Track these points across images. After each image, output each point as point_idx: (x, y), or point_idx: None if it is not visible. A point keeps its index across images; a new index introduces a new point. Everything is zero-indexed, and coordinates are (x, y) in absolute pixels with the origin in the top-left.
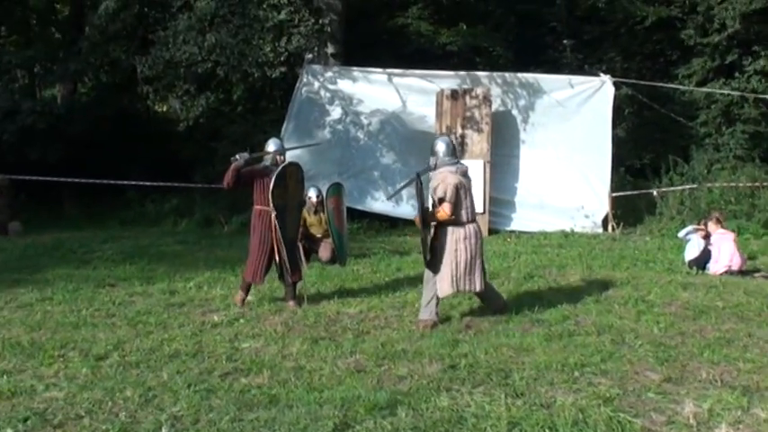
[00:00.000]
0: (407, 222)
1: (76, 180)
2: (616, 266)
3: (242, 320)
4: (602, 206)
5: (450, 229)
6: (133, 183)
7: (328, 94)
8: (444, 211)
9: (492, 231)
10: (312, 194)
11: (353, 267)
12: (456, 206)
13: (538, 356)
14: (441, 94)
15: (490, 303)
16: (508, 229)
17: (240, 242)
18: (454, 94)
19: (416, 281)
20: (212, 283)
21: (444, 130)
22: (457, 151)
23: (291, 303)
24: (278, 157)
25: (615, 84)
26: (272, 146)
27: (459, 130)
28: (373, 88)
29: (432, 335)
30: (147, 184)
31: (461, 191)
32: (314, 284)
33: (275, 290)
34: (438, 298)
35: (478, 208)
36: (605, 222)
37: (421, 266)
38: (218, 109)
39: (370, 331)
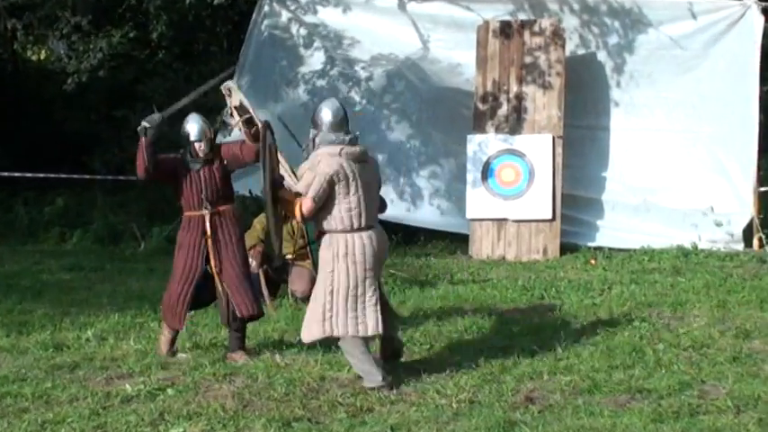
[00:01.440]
0: (432, 234)
1: None
2: (766, 304)
3: (170, 391)
4: (744, 208)
5: (327, 238)
6: None
7: (304, 31)
8: (299, 207)
9: (566, 248)
10: None
11: None
12: (328, 206)
13: None
14: (484, 28)
15: (386, 348)
16: (592, 244)
17: (166, 266)
18: (505, 29)
19: (445, 326)
20: (122, 333)
21: (490, 85)
22: (349, 121)
23: (237, 356)
24: (198, 146)
25: (766, 11)
26: (191, 128)
27: (514, 88)
28: (376, 21)
29: (472, 413)
30: (16, 175)
31: (341, 184)
32: (283, 332)
33: (222, 337)
34: (362, 347)
35: (543, 208)
36: (748, 234)
37: (452, 303)
38: (127, 55)
39: (374, 408)
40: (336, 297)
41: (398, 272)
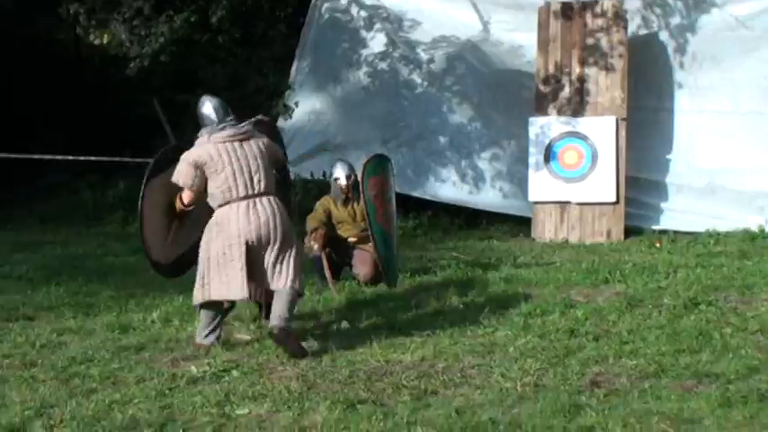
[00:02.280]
0: (494, 217)
1: None
2: None
3: (235, 372)
4: None
5: (214, 213)
6: (58, 157)
7: (364, 14)
8: (181, 199)
9: (631, 231)
10: (340, 174)
11: (408, 289)
12: (208, 187)
13: None
14: (545, 10)
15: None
16: (656, 227)
17: None
18: (567, 11)
19: (509, 309)
20: (187, 315)
21: (552, 67)
22: (226, 112)
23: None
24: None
25: None
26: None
27: (577, 70)
28: (437, 3)
29: (536, 396)
30: (81, 158)
31: (207, 166)
32: (347, 316)
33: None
34: (211, 312)
35: (607, 191)
36: None
37: (516, 286)
38: (189, 40)
39: (438, 390)
40: (209, 264)
41: (461, 255)
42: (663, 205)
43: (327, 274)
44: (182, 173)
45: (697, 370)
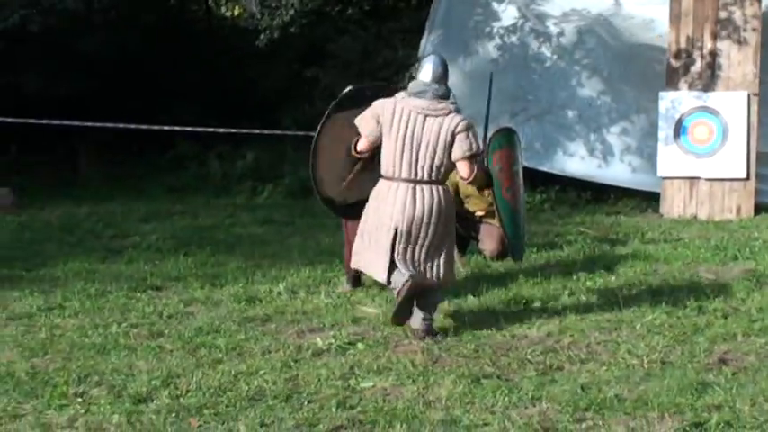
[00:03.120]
0: (623, 192)
1: (97, 125)
2: None
3: (360, 345)
4: None
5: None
6: (187, 129)
7: None
8: (355, 144)
9: (761, 208)
10: None
11: (535, 264)
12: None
13: None
14: None
15: (420, 306)
16: None
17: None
18: None
19: (636, 285)
20: (313, 287)
21: (684, 41)
22: (440, 78)
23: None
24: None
25: None
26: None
27: (708, 44)
28: None
29: (663, 373)
30: (209, 130)
31: (384, 124)
32: (473, 290)
33: None
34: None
35: (737, 167)
36: None
37: (644, 262)
38: (319, 12)
39: (564, 366)
40: (362, 233)
41: (588, 230)
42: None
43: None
44: (364, 118)
45: None
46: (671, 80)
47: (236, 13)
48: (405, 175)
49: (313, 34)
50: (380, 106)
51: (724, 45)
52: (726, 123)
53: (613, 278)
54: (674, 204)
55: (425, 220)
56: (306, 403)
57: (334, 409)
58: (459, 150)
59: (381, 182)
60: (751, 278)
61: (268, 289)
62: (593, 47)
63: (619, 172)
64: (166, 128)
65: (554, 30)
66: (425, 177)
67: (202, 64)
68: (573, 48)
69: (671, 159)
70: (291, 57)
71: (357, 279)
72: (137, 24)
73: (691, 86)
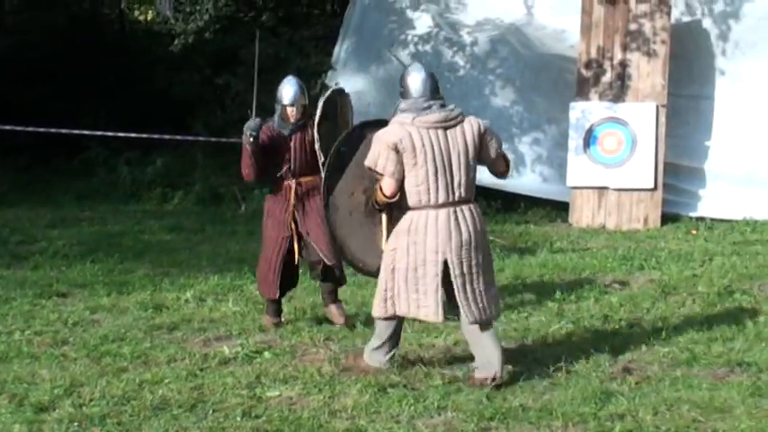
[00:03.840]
0: (533, 201)
1: (6, 128)
2: None
3: (267, 354)
4: None
5: (405, 215)
6: (97, 133)
7: None
8: (381, 190)
9: (668, 218)
10: None
11: None
12: (404, 179)
13: (739, 421)
14: None
15: (477, 356)
16: (693, 214)
17: None
18: None
19: (544, 294)
20: (221, 295)
21: (595, 52)
22: (437, 87)
23: (334, 309)
24: (290, 110)
25: None
26: (285, 91)
27: (619, 55)
28: None
29: (568, 383)
30: (120, 135)
31: (406, 154)
32: None
33: (320, 303)
34: (391, 326)
35: (645, 177)
36: None
37: (552, 272)
38: (233, 17)
39: (471, 375)
40: (394, 275)
41: (498, 239)
42: (700, 192)
43: None
44: (381, 156)
45: (729, 359)
46: (581, 90)
47: (149, 17)
48: (442, 199)
49: (227, 40)
50: (394, 137)
51: (634, 56)
52: (634, 134)
53: (521, 287)
54: (583, 214)
55: (474, 244)
56: (211, 412)
57: (239, 419)
58: (492, 149)
59: (413, 214)
60: (656, 288)
61: (175, 297)
62: (506, 56)
63: (529, 181)
64: (75, 132)
65: (467, 39)
66: (464, 196)
67: (114, 68)
68: (486, 57)
69: (580, 169)
70: (204, 62)
71: (279, 309)
72: (48, 27)
73: (601, 97)
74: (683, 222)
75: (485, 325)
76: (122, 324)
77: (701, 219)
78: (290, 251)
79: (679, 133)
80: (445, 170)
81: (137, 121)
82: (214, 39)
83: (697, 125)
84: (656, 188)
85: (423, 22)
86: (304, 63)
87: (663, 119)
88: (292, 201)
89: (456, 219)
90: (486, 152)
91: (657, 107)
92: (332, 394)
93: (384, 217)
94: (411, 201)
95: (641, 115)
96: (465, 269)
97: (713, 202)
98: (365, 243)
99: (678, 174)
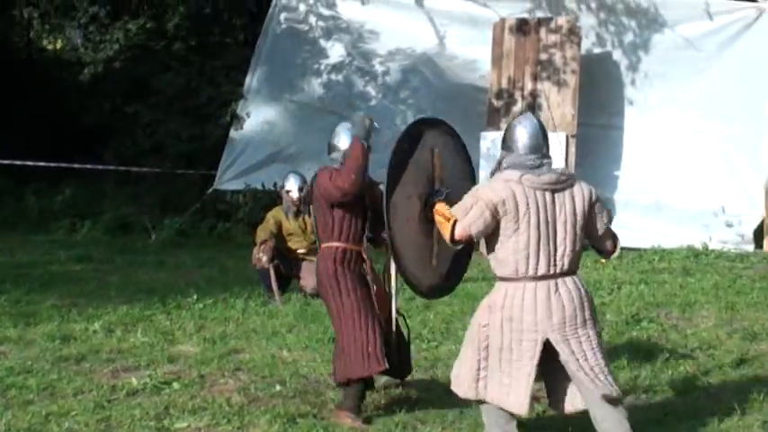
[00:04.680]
0: None
1: None
2: None
3: (176, 385)
4: (755, 209)
5: (497, 285)
6: (5, 162)
7: (322, 24)
8: (451, 228)
9: None
10: (292, 186)
11: None
12: (497, 244)
13: None
14: (500, 25)
15: None
16: None
17: (176, 259)
18: (522, 27)
19: (454, 323)
20: (130, 325)
21: (505, 82)
22: (547, 143)
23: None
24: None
25: None
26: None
27: (529, 85)
28: (393, 16)
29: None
30: (29, 164)
31: (507, 217)
32: (291, 327)
33: (231, 330)
34: (500, 417)
35: None
36: (759, 235)
37: (462, 300)
38: (143, 46)
39: (380, 406)
40: (487, 354)
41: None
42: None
43: (274, 285)
44: (465, 210)
45: (636, 385)
46: (492, 120)
47: (58, 46)
48: (542, 271)
49: (137, 69)
50: (497, 196)
51: (544, 87)
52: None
53: (432, 316)
54: None
55: (580, 319)
56: None
57: None
58: (600, 222)
59: (507, 286)
60: None
61: (84, 327)
62: (418, 86)
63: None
64: None
65: (380, 68)
66: (566, 268)
67: (22, 96)
68: (398, 86)
69: None
70: (114, 91)
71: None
72: None
73: None
74: (592, 251)
75: (614, 402)
76: (29, 356)
77: None
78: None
79: (589, 163)
80: (549, 239)
81: (45, 150)
82: (124, 67)
83: (607, 155)
84: None
85: (335, 51)
86: (215, 92)
87: (573, 148)
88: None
89: (558, 292)
90: (592, 224)
91: (567, 137)
92: (241, 425)
93: (435, 231)
94: (507, 270)
95: (551, 145)
96: (575, 347)
97: (622, 231)
98: (419, 255)
99: None
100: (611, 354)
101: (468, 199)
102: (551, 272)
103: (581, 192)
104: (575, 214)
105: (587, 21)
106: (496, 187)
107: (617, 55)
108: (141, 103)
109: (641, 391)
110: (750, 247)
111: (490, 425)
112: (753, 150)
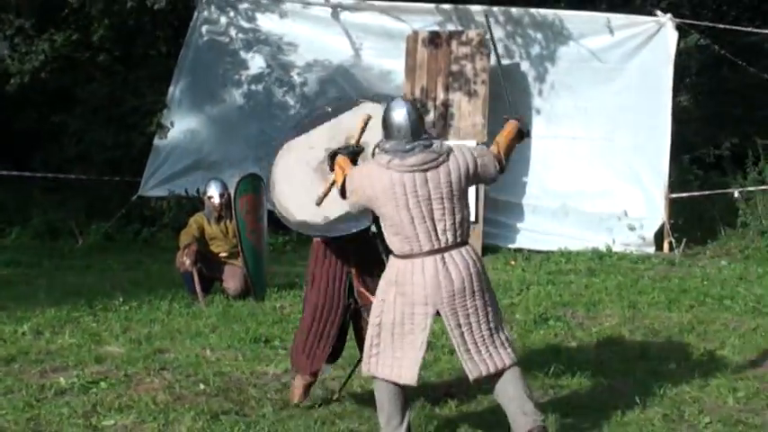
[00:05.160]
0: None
1: None
2: (674, 305)
3: (103, 384)
4: (656, 213)
5: (390, 261)
6: None
7: (242, 36)
8: (339, 177)
9: (488, 249)
10: (213, 193)
11: (275, 304)
12: (376, 220)
13: None
14: (413, 38)
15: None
16: (512, 246)
17: (102, 263)
18: (434, 40)
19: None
20: (58, 327)
21: (418, 92)
22: (420, 127)
23: None
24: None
25: (679, 27)
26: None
27: (441, 95)
28: (311, 28)
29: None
30: None
31: (380, 202)
32: (214, 328)
33: (155, 331)
34: (387, 392)
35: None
36: (659, 238)
37: None
38: (69, 57)
39: (301, 402)
40: (380, 330)
41: None
42: (518, 225)
43: (197, 288)
44: (353, 189)
45: (544, 382)
46: None
47: None
48: (426, 248)
49: (63, 80)
50: (368, 182)
51: (456, 97)
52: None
53: None
54: None
55: (469, 291)
56: None
57: None
58: (490, 167)
59: (396, 261)
60: None
61: (13, 329)
62: (335, 96)
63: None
64: None
65: (298, 79)
66: (451, 241)
67: None
68: (315, 97)
69: None
70: (41, 101)
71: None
72: None
73: None
74: (502, 254)
75: (496, 375)
76: None
77: (519, 250)
78: None
79: None
80: (424, 217)
81: None
82: (51, 78)
83: (515, 162)
84: (476, 221)
85: (255, 62)
86: (139, 102)
87: None
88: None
89: (445, 264)
90: (486, 172)
91: (478, 145)
92: (166, 422)
93: (331, 178)
94: (395, 248)
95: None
96: (462, 320)
97: (530, 234)
98: (297, 193)
99: (497, 208)
100: (521, 350)
101: (352, 179)
102: (436, 246)
103: (456, 163)
104: (450, 188)
105: (496, 33)
106: (366, 175)
107: (525, 66)
108: (68, 112)
109: (548, 387)
110: (651, 250)
111: (381, 401)
112: (654, 158)
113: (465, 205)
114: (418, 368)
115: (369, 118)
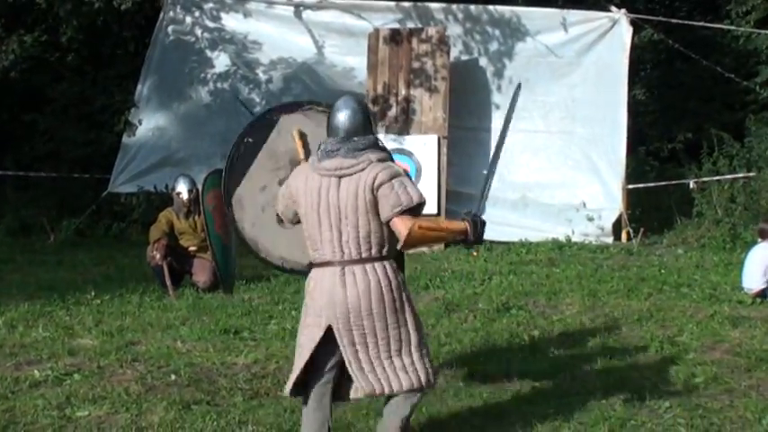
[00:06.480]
0: None
1: None
2: (632, 293)
3: (77, 376)
4: (613, 204)
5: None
6: None
7: (208, 36)
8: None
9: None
10: (182, 188)
11: (244, 296)
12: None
13: (513, 426)
14: (375, 35)
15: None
16: None
17: (74, 258)
18: (395, 37)
19: None
20: (32, 321)
21: (381, 88)
22: (361, 129)
23: None
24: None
25: (634, 23)
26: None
27: (403, 91)
28: (275, 27)
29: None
30: None
31: (294, 199)
32: (185, 320)
33: (127, 324)
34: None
35: (429, 204)
36: (618, 228)
37: None
38: (39, 57)
39: (270, 391)
40: (300, 349)
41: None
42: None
43: (168, 281)
44: (281, 195)
45: (508, 369)
46: None
47: None
48: (328, 257)
49: (33, 80)
50: (293, 181)
51: (417, 92)
52: (419, 164)
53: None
54: None
55: (366, 311)
56: None
57: None
58: (386, 207)
59: (312, 271)
60: (440, 306)
61: None
62: (299, 93)
63: None
64: None
65: (263, 77)
66: (354, 255)
67: None
68: (280, 93)
69: None
70: (11, 101)
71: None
72: None
73: (387, 130)
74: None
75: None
76: None
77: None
78: None
79: (460, 163)
80: (331, 225)
81: None
82: (21, 78)
83: (476, 155)
84: (439, 214)
85: (221, 61)
86: (108, 100)
87: (444, 149)
88: None
89: (343, 279)
90: (381, 210)
91: (439, 139)
92: (139, 412)
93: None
94: (309, 256)
95: (425, 147)
96: (357, 338)
97: (492, 226)
98: (283, 239)
99: (459, 200)
100: (484, 339)
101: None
102: (338, 258)
103: (366, 177)
104: (356, 199)
105: (455, 30)
106: (293, 176)
107: (483, 62)
108: (38, 111)
109: (513, 375)
110: (609, 240)
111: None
112: (611, 150)
113: (378, 221)
114: (292, 384)
115: (301, 134)
